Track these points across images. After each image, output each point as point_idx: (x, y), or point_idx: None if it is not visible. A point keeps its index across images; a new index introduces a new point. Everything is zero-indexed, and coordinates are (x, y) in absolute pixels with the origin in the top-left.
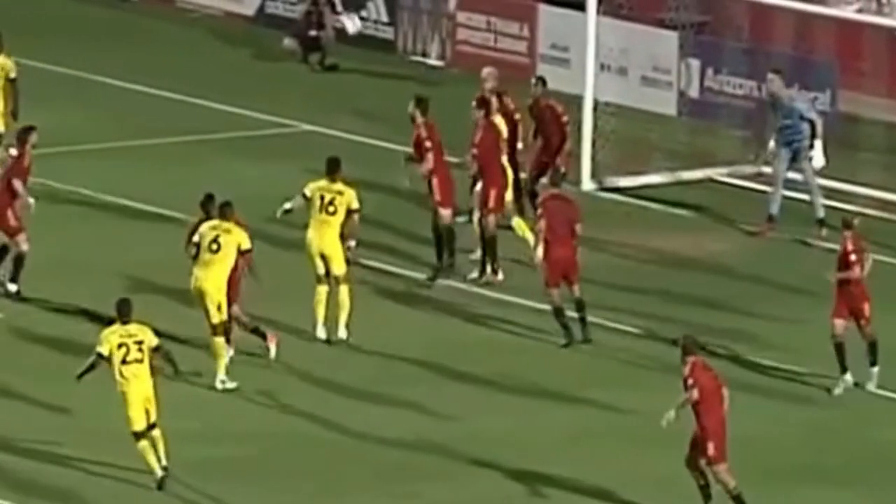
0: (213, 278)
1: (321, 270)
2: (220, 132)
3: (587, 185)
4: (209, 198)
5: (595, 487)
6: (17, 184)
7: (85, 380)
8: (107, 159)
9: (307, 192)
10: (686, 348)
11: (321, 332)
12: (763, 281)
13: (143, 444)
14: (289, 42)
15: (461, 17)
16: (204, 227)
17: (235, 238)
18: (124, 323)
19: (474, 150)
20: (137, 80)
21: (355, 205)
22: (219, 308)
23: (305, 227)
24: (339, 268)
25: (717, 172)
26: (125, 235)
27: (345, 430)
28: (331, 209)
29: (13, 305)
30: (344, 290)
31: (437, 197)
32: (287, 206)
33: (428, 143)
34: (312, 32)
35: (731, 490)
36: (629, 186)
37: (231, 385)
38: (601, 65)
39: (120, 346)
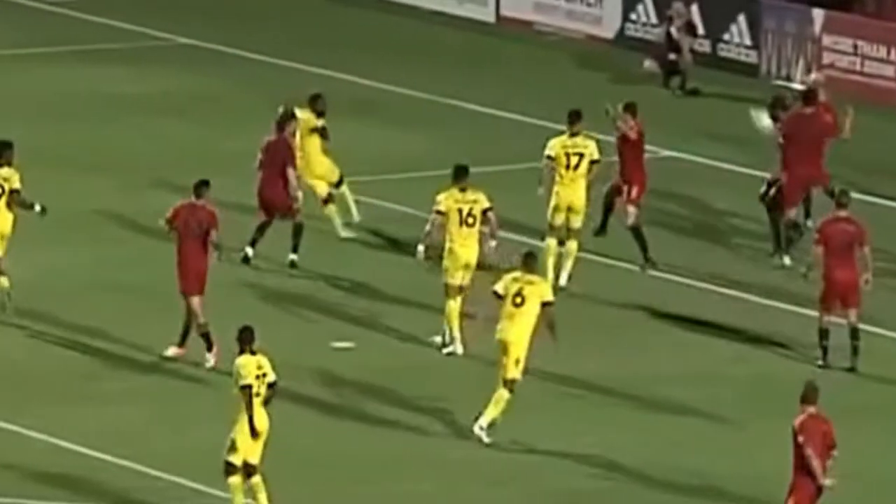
0: (516, 331)
1: (460, 282)
2: None
3: None
4: (529, 255)
5: None
6: (290, 172)
7: None
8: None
9: (442, 207)
10: (806, 397)
11: (459, 348)
12: None
13: (237, 480)
14: (649, 64)
15: (827, 40)
16: (507, 278)
17: (539, 290)
18: (252, 353)
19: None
20: (495, 104)
21: (487, 204)
22: (516, 362)
23: None
24: (469, 279)
25: None
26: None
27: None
28: (470, 220)
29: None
30: (460, 300)
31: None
32: (428, 228)
33: None
34: (671, 56)
35: None
36: None
37: (486, 440)
38: None
39: (257, 377)
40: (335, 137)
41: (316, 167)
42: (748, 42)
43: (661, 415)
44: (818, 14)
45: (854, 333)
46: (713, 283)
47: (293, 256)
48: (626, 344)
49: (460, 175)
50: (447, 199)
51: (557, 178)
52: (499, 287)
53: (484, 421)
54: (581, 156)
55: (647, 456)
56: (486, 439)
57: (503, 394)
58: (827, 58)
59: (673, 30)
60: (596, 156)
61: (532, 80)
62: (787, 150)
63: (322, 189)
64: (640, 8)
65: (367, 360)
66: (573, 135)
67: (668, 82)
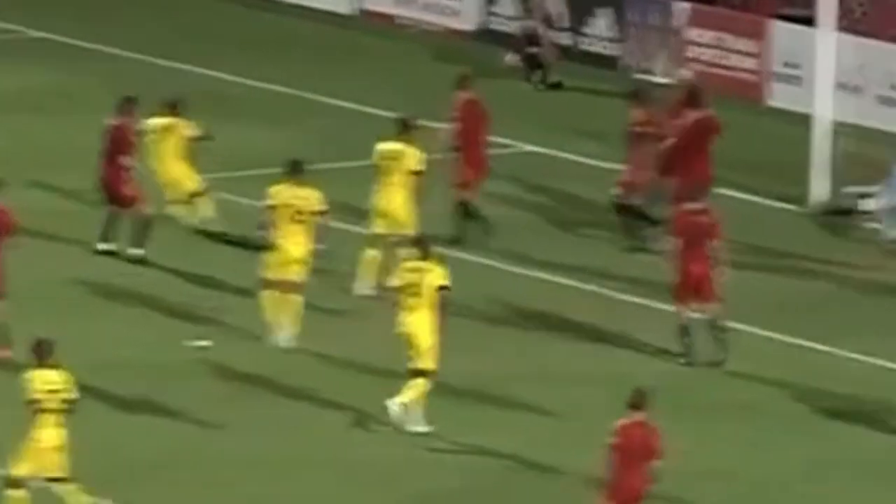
0: (417, 321)
1: (296, 278)
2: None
3: (818, 206)
4: (419, 241)
5: None
6: (124, 160)
7: None
8: (331, 181)
9: (273, 202)
10: (634, 403)
11: (275, 340)
12: None
13: (17, 494)
14: (510, 57)
15: (690, 33)
16: (401, 269)
17: (432, 276)
18: (47, 367)
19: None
20: (356, 98)
21: (320, 207)
22: (427, 351)
23: None
24: (300, 276)
25: None
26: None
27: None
28: (300, 217)
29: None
30: (298, 298)
31: None
32: (261, 218)
33: None
34: (532, 49)
35: None
36: (864, 209)
37: (424, 429)
38: (836, 83)
39: (49, 391)
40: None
41: (171, 170)
42: (611, 35)
43: (523, 414)
44: (682, 7)
45: (714, 325)
46: (575, 278)
47: (136, 251)
48: (488, 342)
49: (295, 170)
50: (279, 194)
51: (378, 186)
52: (394, 281)
53: (399, 398)
54: (396, 162)
55: (510, 455)
56: (394, 409)
57: (418, 381)
58: (691, 52)
59: (533, 23)
60: (414, 167)
61: (393, 73)
62: (679, 154)
63: (171, 192)
64: (501, 0)
65: (223, 358)
66: (399, 141)
67: (529, 76)
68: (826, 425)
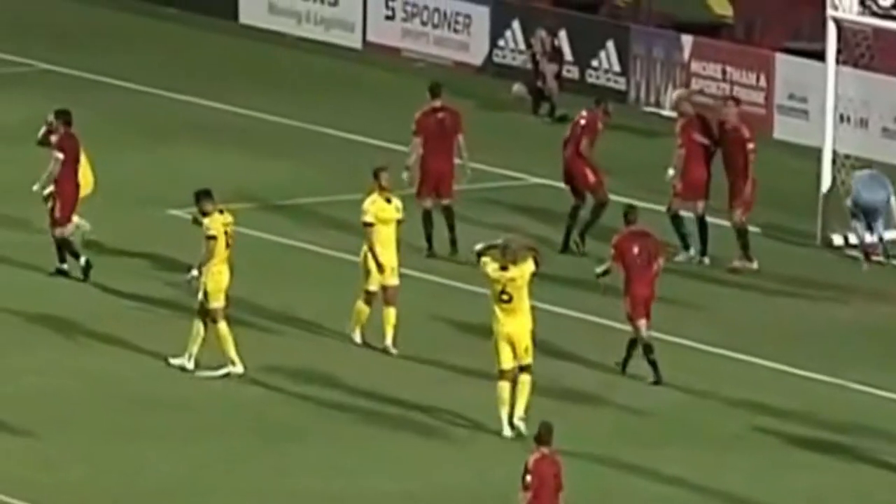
0: (517, 323)
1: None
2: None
3: (825, 239)
4: (506, 247)
5: None
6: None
7: None
8: (338, 212)
9: (214, 231)
10: (540, 437)
11: (240, 367)
12: None
13: None
14: (518, 87)
15: (695, 66)
16: (491, 270)
17: (522, 280)
18: None
19: None
20: (363, 131)
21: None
22: (526, 350)
23: None
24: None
25: None
26: (348, 291)
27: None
28: (230, 242)
29: None
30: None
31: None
32: (204, 252)
33: None
34: (539, 83)
35: None
36: (867, 242)
37: (525, 430)
38: (840, 116)
39: None
40: (204, 165)
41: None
42: (617, 69)
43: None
44: (687, 40)
45: (647, 348)
46: (579, 309)
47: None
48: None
49: (211, 198)
50: (216, 223)
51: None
52: (485, 268)
53: (520, 410)
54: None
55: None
56: (524, 430)
57: (525, 379)
58: (696, 84)
59: (537, 56)
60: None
61: (399, 106)
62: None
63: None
64: (507, 34)
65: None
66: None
67: (537, 109)
68: (827, 456)
